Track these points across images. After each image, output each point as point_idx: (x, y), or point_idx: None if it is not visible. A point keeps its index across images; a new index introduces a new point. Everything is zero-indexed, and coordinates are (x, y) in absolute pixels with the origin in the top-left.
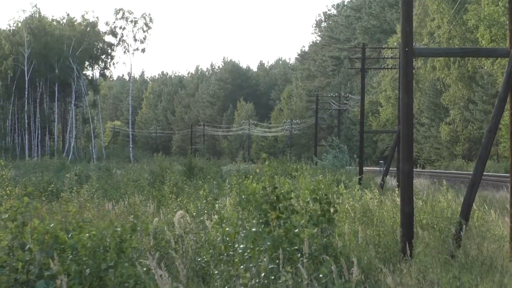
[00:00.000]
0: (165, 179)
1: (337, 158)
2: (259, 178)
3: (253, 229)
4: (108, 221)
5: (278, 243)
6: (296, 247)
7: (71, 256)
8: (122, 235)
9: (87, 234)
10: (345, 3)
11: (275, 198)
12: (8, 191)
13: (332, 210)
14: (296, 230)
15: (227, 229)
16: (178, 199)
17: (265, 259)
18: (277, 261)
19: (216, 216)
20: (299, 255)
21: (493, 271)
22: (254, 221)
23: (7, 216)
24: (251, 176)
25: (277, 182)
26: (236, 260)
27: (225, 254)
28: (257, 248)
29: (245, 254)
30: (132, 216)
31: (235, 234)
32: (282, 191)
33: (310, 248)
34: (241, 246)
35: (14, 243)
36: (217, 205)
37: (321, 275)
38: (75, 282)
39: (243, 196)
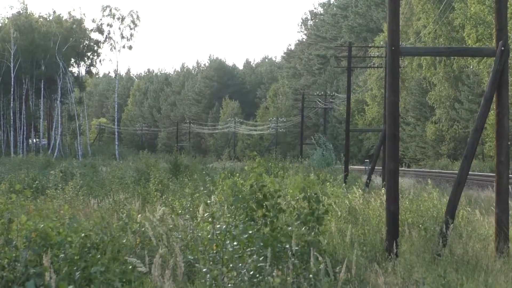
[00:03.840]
0: (151, 176)
1: (324, 157)
2: (247, 176)
3: (241, 227)
4: (98, 217)
5: (267, 242)
6: (285, 246)
7: (62, 255)
8: (117, 240)
9: (82, 234)
10: (332, 2)
11: (262, 196)
12: None
13: (321, 208)
14: (290, 228)
15: (218, 226)
16: (163, 197)
17: (254, 257)
18: (263, 258)
19: (200, 214)
20: (289, 253)
21: (478, 270)
22: (241, 219)
23: None
24: (237, 174)
25: (265, 180)
26: (226, 258)
27: (215, 252)
28: (249, 248)
29: (235, 253)
30: (125, 215)
31: (226, 233)
32: (270, 190)
33: (296, 246)
34: (234, 244)
35: (0, 240)
36: (209, 201)
37: (311, 276)
38: (64, 282)
39: (233, 193)
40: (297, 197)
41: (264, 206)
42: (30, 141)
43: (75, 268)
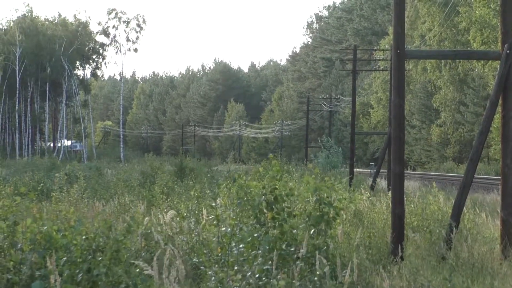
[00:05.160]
0: (156, 179)
1: (329, 159)
2: (260, 177)
3: (247, 230)
4: (102, 220)
5: (274, 244)
6: (291, 249)
7: (65, 258)
8: (119, 243)
9: (83, 237)
10: (337, 5)
11: (273, 198)
12: None
13: (332, 212)
14: (294, 231)
15: (223, 229)
16: (169, 199)
17: (259, 259)
18: (270, 262)
19: (205, 216)
20: (294, 256)
21: (483, 274)
22: (250, 221)
23: None
24: (243, 176)
25: (278, 183)
26: (231, 261)
27: (220, 255)
28: (253, 251)
29: (240, 256)
30: (129, 217)
31: (232, 236)
32: (282, 193)
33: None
34: (240, 246)
35: (6, 242)
36: (214, 204)
37: (315, 278)
38: (68, 284)
39: (242, 194)
40: (307, 199)
41: (275, 209)
42: (43, 143)
43: (77, 271)
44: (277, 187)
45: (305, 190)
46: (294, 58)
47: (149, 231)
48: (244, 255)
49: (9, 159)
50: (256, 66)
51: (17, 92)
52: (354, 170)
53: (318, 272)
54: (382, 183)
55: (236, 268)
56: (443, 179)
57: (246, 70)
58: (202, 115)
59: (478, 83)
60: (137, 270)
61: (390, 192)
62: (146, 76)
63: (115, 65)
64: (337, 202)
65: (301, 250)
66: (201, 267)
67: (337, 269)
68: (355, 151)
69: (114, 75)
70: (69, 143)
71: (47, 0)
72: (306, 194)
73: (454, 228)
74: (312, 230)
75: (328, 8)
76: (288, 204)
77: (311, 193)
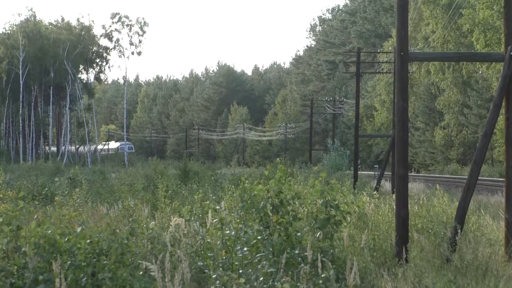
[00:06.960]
0: (159, 182)
1: (335, 162)
2: (265, 181)
3: (251, 233)
4: (105, 224)
5: (279, 247)
6: (297, 252)
7: (69, 262)
8: (124, 247)
9: (88, 240)
10: (340, 8)
11: (278, 202)
12: (1, 195)
13: (339, 215)
14: (299, 234)
15: (227, 232)
16: (173, 203)
17: (264, 262)
18: (277, 265)
19: (210, 220)
20: (300, 259)
21: (488, 276)
22: (255, 224)
23: (1, 220)
24: (246, 179)
25: (284, 187)
26: (235, 264)
27: (224, 258)
28: (258, 254)
29: (244, 259)
30: (131, 219)
31: (236, 239)
32: (288, 196)
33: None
34: (244, 249)
35: (9, 247)
36: (218, 207)
37: (320, 281)
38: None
39: (246, 197)
40: (314, 202)
41: (280, 212)
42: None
43: (82, 275)
44: (282, 190)
45: (311, 193)
46: (297, 61)
47: (154, 233)
48: (249, 258)
49: (13, 164)
50: (260, 69)
51: (21, 96)
52: (358, 172)
53: (323, 275)
54: (386, 185)
55: (240, 271)
56: (447, 181)
57: (249, 73)
58: (205, 119)
59: (481, 85)
60: (141, 273)
61: (394, 194)
62: (149, 79)
63: (119, 69)
64: (344, 206)
65: (306, 253)
66: (206, 270)
67: (345, 272)
68: (359, 154)
69: (118, 79)
70: (116, 144)
71: (50, 4)
72: (312, 197)
73: (459, 230)
74: (318, 233)
75: (332, 10)
76: (293, 207)
77: (318, 196)
